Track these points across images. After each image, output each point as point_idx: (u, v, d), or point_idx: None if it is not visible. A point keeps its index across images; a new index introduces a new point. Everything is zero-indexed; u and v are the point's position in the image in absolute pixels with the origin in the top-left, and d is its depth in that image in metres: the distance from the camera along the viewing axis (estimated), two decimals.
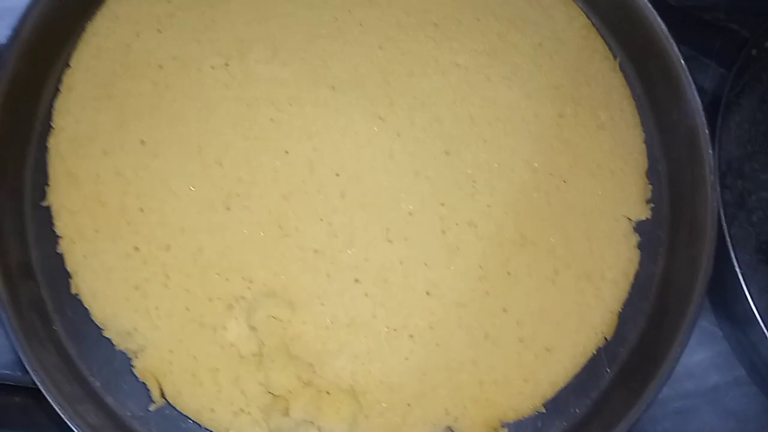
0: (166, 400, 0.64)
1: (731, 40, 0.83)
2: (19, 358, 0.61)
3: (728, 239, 0.69)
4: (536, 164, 0.71)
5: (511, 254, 0.68)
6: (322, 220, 0.66)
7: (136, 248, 0.65)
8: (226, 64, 0.69)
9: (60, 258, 0.66)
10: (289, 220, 0.66)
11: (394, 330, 0.65)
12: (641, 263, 0.71)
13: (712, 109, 0.72)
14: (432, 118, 0.70)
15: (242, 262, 0.65)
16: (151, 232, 0.65)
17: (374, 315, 0.65)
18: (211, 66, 0.69)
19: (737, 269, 0.68)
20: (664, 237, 0.73)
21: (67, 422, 0.60)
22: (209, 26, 0.70)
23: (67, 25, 0.70)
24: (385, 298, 0.66)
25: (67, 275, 0.65)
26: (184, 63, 0.69)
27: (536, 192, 0.70)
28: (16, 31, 0.66)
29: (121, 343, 0.64)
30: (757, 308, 0.67)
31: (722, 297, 0.74)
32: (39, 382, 0.60)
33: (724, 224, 0.69)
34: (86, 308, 0.65)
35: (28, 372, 0.61)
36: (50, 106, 0.69)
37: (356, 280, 0.66)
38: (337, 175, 0.68)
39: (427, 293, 0.66)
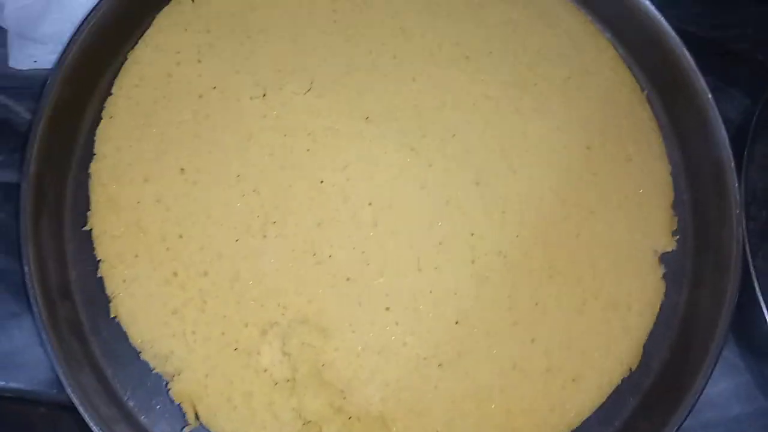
0: (200, 422, 0.65)
1: (757, 71, 0.84)
2: (54, 376, 0.63)
3: (753, 271, 0.69)
4: (565, 195, 0.72)
5: (540, 284, 0.69)
6: (354, 248, 0.68)
7: (175, 274, 0.66)
8: (264, 95, 0.71)
9: (97, 279, 0.67)
10: (322, 248, 0.67)
11: (424, 358, 0.66)
12: (666, 294, 0.72)
13: (737, 139, 0.73)
14: (463, 149, 0.71)
15: (277, 289, 0.66)
16: (189, 258, 0.66)
17: (404, 343, 0.66)
18: (249, 96, 0.70)
19: (761, 301, 0.68)
20: (689, 268, 0.74)
21: None
22: (248, 57, 0.72)
23: (110, 52, 0.72)
24: (415, 326, 0.67)
25: (105, 297, 0.67)
26: (223, 93, 0.70)
27: (564, 223, 0.71)
28: (61, 57, 0.68)
29: (158, 366, 0.66)
30: None
31: (745, 328, 0.74)
32: (78, 404, 0.62)
33: (749, 255, 0.69)
34: (122, 329, 0.66)
35: (63, 390, 0.62)
36: (90, 133, 0.70)
37: (387, 309, 0.67)
38: (370, 204, 0.69)
39: (457, 322, 0.67)
